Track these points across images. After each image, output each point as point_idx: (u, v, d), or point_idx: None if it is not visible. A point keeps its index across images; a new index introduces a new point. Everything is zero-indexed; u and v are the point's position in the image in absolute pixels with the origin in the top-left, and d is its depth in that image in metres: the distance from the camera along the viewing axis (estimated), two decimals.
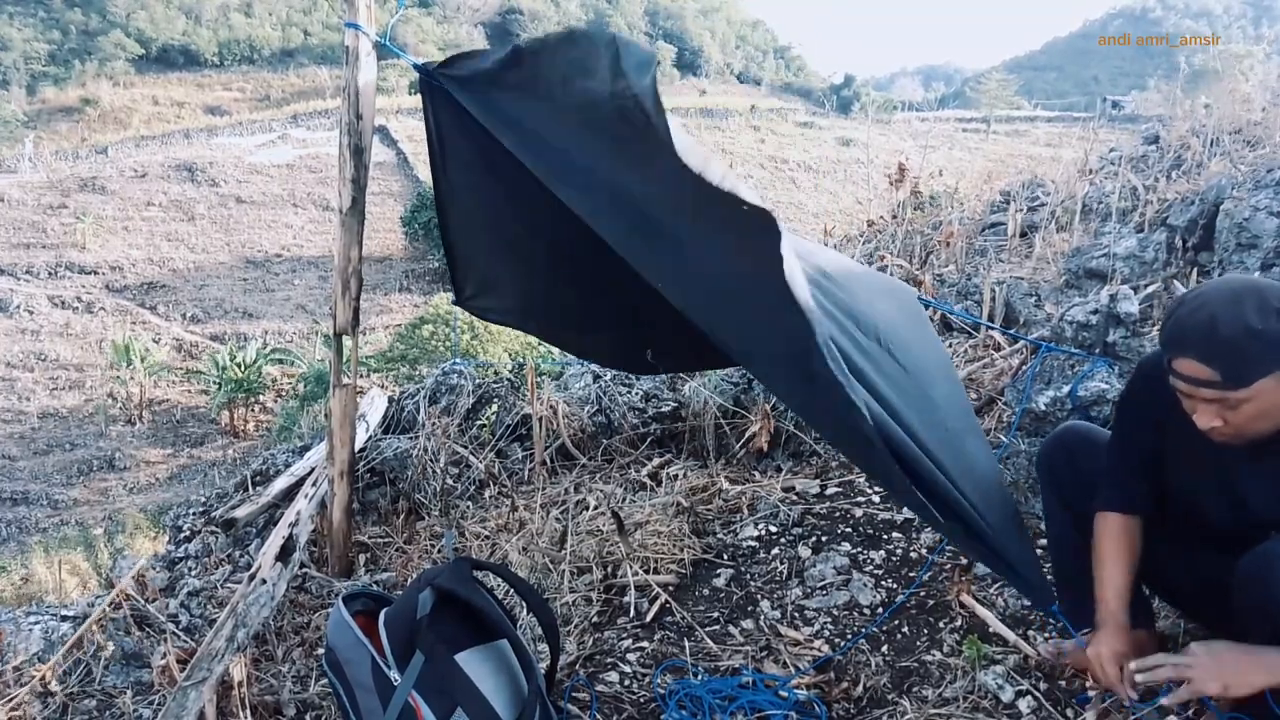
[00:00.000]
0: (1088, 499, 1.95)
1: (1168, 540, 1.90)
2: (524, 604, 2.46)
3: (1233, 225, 3.97)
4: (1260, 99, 6.95)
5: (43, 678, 2.30)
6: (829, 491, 3.28)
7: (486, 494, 3.61)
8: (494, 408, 4.12)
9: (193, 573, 3.41)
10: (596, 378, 4.17)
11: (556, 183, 2.13)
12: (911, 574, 2.69)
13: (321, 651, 2.36)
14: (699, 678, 2.33)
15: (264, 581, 2.66)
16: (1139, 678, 1.67)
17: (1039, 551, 2.53)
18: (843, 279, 2.40)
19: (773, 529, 3.07)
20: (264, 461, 4.15)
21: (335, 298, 2.90)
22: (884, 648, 2.38)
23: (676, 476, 3.44)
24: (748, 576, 2.83)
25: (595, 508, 3.24)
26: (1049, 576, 2.33)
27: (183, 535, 3.85)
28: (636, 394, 4.02)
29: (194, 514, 3.97)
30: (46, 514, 22.50)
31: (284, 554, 2.88)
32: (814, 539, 2.97)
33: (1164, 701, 1.67)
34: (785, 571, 2.81)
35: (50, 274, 35.20)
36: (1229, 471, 1.72)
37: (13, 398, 28.40)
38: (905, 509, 3.04)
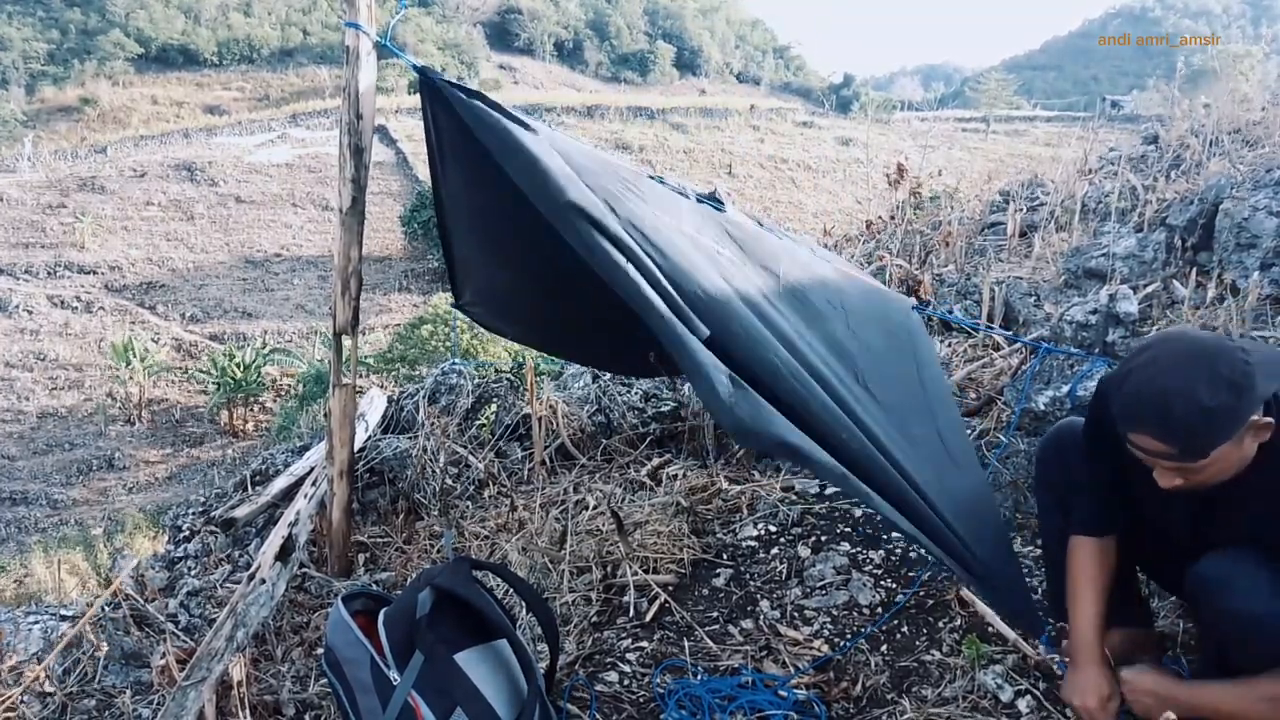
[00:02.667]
0: (1076, 496, 1.95)
1: (1142, 541, 1.91)
2: (524, 604, 2.46)
3: (1232, 225, 3.97)
4: (1259, 99, 6.95)
5: (36, 678, 2.30)
6: (828, 491, 3.27)
7: (486, 494, 3.61)
8: (493, 407, 4.12)
9: (192, 572, 3.41)
10: (596, 378, 4.18)
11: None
12: (911, 573, 2.69)
13: (321, 651, 2.36)
14: (698, 677, 2.33)
15: (263, 581, 2.66)
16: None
17: (1030, 564, 2.54)
18: (828, 305, 2.40)
19: (772, 529, 3.06)
20: (263, 461, 4.16)
21: (335, 297, 2.90)
22: (883, 647, 2.38)
23: (676, 476, 3.44)
24: (747, 576, 2.83)
25: (595, 507, 3.23)
26: (1038, 594, 2.34)
27: (182, 535, 3.86)
28: (636, 394, 4.03)
29: (193, 514, 3.97)
30: (46, 514, 22.47)
31: (283, 554, 2.88)
32: (813, 539, 2.97)
33: None
34: (785, 571, 2.81)
35: (49, 274, 35.16)
36: (1190, 500, 1.73)
37: (12, 397, 28.37)
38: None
